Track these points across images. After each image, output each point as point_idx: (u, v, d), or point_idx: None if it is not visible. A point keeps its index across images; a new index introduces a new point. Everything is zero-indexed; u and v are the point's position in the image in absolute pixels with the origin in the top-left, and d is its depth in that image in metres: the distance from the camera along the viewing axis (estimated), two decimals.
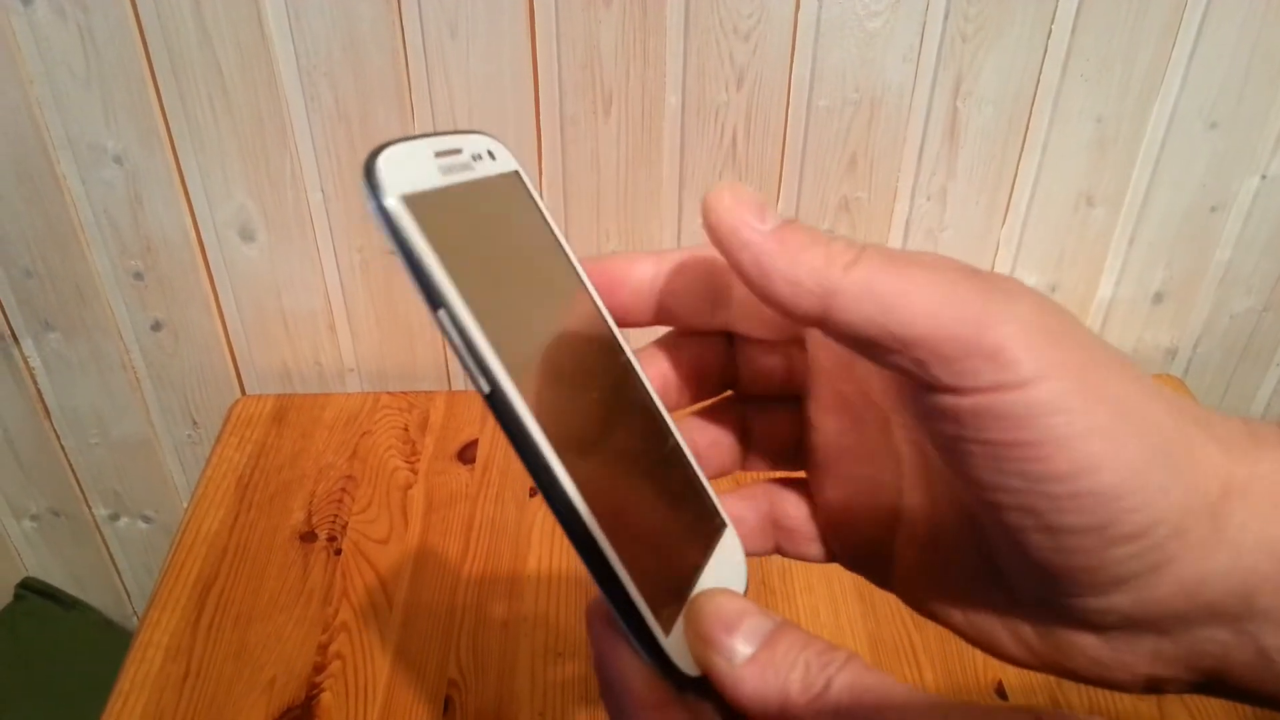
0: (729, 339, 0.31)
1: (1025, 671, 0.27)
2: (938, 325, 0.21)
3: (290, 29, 0.73)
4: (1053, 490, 0.21)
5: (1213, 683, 0.24)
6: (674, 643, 0.24)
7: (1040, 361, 0.21)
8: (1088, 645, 0.24)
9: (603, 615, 0.25)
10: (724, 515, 0.30)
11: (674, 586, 0.26)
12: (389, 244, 0.22)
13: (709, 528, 0.29)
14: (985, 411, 0.21)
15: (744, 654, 0.23)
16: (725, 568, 0.28)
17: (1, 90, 0.75)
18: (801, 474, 0.32)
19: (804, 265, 0.23)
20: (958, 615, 0.27)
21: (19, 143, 0.77)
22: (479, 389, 0.23)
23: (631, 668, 0.24)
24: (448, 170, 0.25)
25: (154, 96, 0.76)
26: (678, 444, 0.29)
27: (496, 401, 0.23)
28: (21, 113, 0.76)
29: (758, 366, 0.31)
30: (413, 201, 0.22)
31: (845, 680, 0.23)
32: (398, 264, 0.22)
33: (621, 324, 0.29)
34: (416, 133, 0.24)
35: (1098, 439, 0.21)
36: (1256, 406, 1.02)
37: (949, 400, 0.22)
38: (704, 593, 0.25)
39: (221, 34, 0.73)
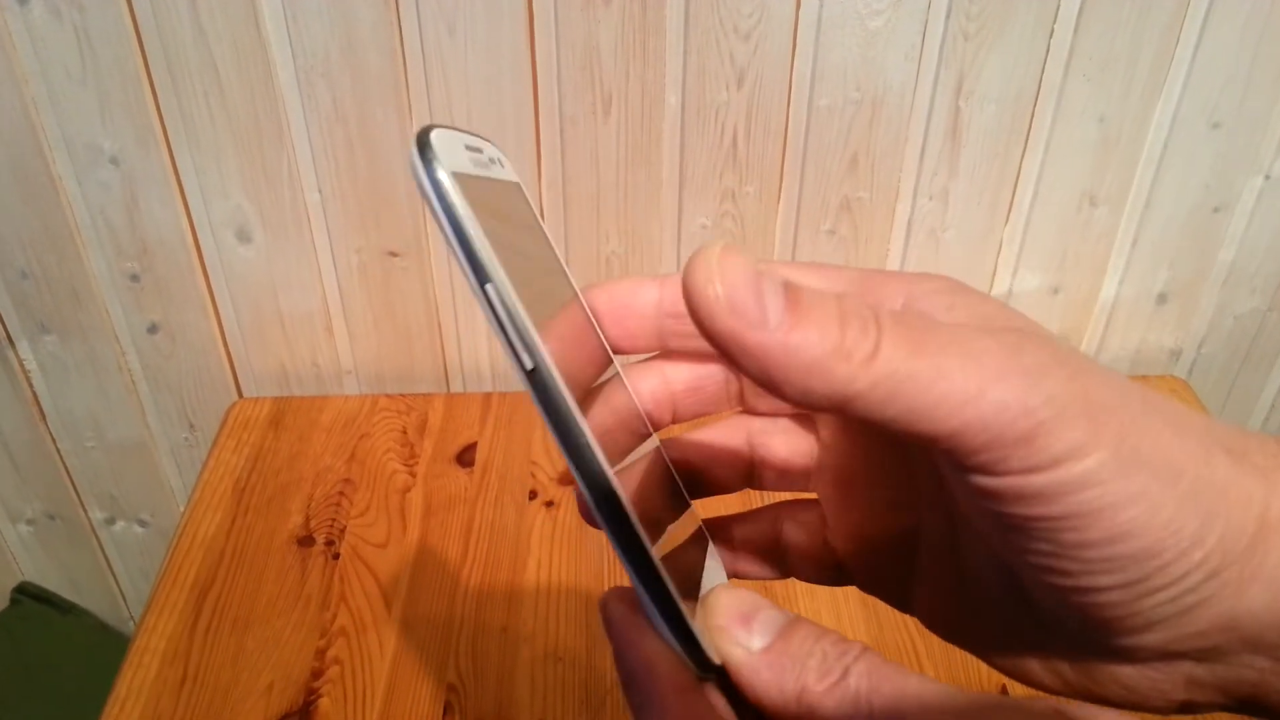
0: None
1: None
2: (968, 422, 0.20)
3: (287, 29, 0.73)
4: (1085, 555, 0.21)
5: (1248, 706, 0.24)
6: (697, 630, 0.24)
7: (1073, 439, 0.20)
8: (1122, 675, 0.24)
9: (625, 604, 0.24)
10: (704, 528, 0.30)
11: (690, 579, 0.26)
12: (439, 217, 0.22)
13: (700, 533, 0.29)
14: (1017, 490, 0.21)
15: (760, 644, 0.23)
16: (718, 572, 0.29)
17: None
18: (813, 495, 0.31)
19: (817, 375, 0.20)
20: (984, 643, 0.27)
21: (14, 143, 0.77)
22: (520, 365, 0.23)
23: (658, 654, 0.23)
24: (475, 164, 0.25)
25: (150, 96, 0.75)
26: (665, 459, 0.30)
27: (538, 379, 0.23)
28: (17, 113, 0.75)
29: None
30: (459, 179, 0.23)
31: (863, 669, 0.22)
32: (444, 238, 0.22)
33: (622, 351, 0.29)
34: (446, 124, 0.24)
35: (1132, 506, 0.20)
36: (1261, 407, 1.01)
37: (978, 479, 0.21)
38: (719, 586, 0.25)
39: (218, 34, 0.73)
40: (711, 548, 0.30)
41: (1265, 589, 0.21)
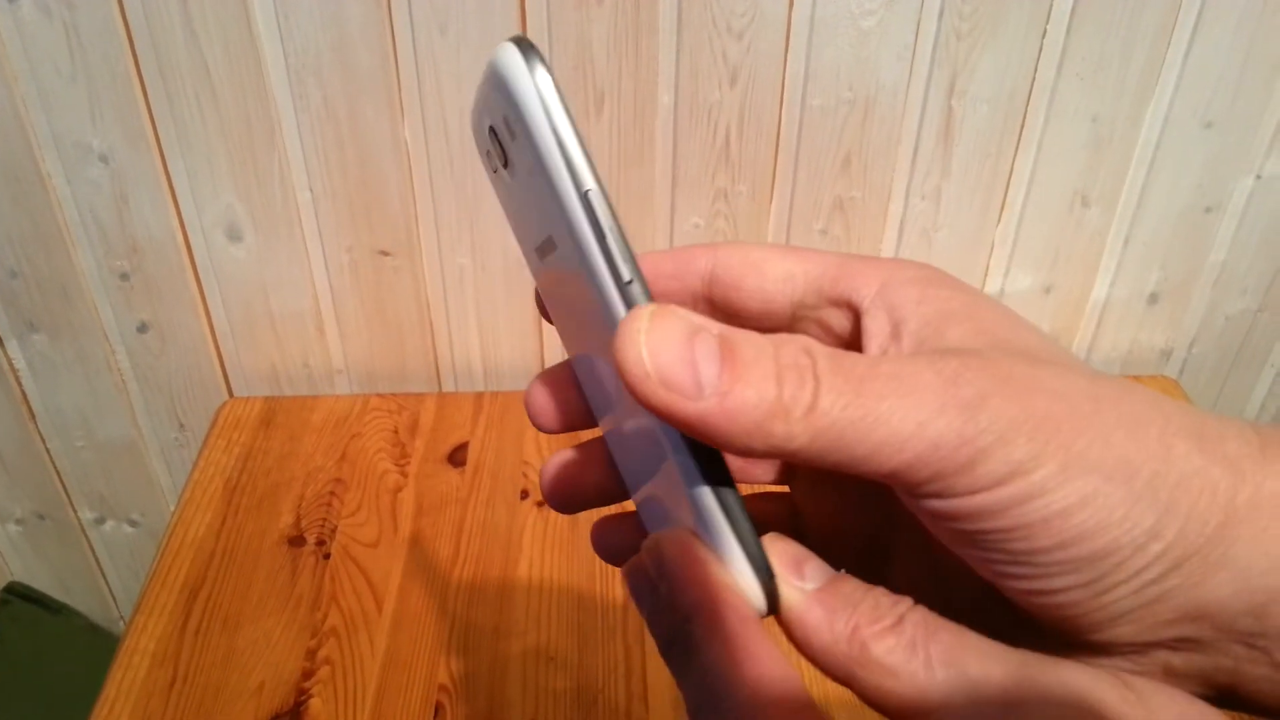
0: None
1: None
2: (908, 461, 0.21)
3: (279, 28, 0.72)
4: (1040, 560, 0.21)
5: (1227, 696, 0.23)
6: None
7: (1015, 457, 0.21)
8: (1100, 667, 0.24)
9: (681, 540, 0.24)
10: None
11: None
12: (537, 118, 0.22)
13: None
14: (965, 510, 0.21)
15: (813, 586, 0.23)
16: None
17: None
18: (784, 489, 0.31)
19: (758, 436, 0.21)
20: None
21: (3, 141, 0.76)
22: (618, 278, 0.23)
23: (725, 585, 0.23)
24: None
25: (140, 95, 0.75)
26: None
27: (631, 292, 0.23)
28: (6, 111, 0.75)
29: None
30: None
31: (918, 618, 0.22)
32: (535, 145, 0.22)
33: None
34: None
35: (1082, 510, 0.21)
36: (1251, 407, 1.02)
37: (928, 503, 0.22)
38: (766, 535, 0.25)
39: (209, 33, 0.72)
40: None
41: (1233, 577, 0.21)
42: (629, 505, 0.29)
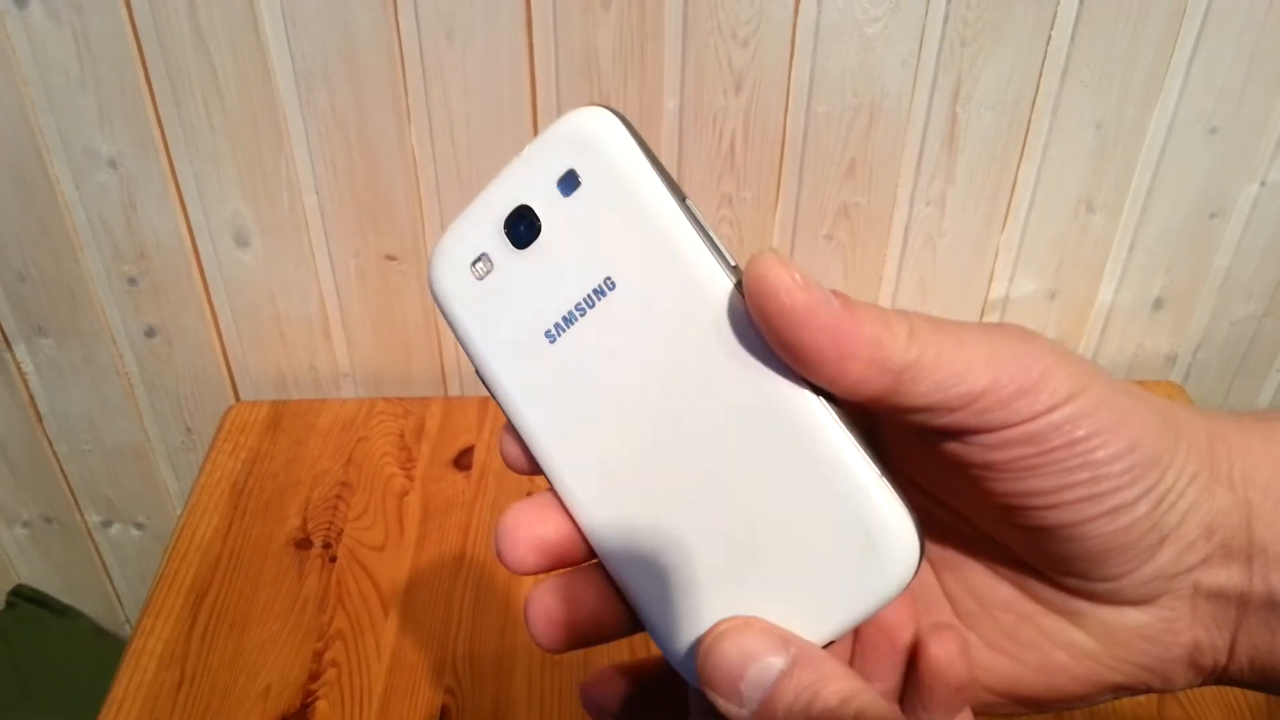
0: None
1: None
2: (997, 375, 0.24)
3: (286, 33, 0.73)
4: (1115, 470, 0.25)
5: (1240, 666, 0.27)
6: None
7: (1073, 379, 0.25)
8: (1141, 626, 0.27)
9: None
10: None
11: None
12: (632, 154, 0.25)
13: None
14: (1043, 430, 0.24)
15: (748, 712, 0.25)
16: None
17: None
18: None
19: (875, 348, 0.24)
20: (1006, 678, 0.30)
21: (13, 146, 0.77)
22: (731, 268, 0.25)
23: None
24: None
25: (149, 100, 0.75)
26: None
27: (735, 294, 0.25)
28: (15, 116, 0.75)
29: None
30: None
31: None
32: (624, 167, 0.25)
33: None
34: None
35: (1134, 417, 0.25)
36: None
37: (1003, 434, 0.25)
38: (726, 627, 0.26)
39: (217, 38, 0.73)
40: None
41: (1226, 491, 0.26)
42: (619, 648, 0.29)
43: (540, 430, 0.27)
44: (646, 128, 0.78)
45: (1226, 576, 0.26)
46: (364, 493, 0.78)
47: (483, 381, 0.28)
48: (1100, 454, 0.24)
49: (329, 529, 0.75)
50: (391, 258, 0.84)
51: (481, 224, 0.27)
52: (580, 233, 0.26)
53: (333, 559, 0.73)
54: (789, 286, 0.23)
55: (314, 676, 0.65)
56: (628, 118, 0.25)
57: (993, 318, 0.92)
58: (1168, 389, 0.91)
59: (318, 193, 0.80)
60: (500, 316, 0.27)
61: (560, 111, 0.76)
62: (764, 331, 0.24)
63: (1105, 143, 0.82)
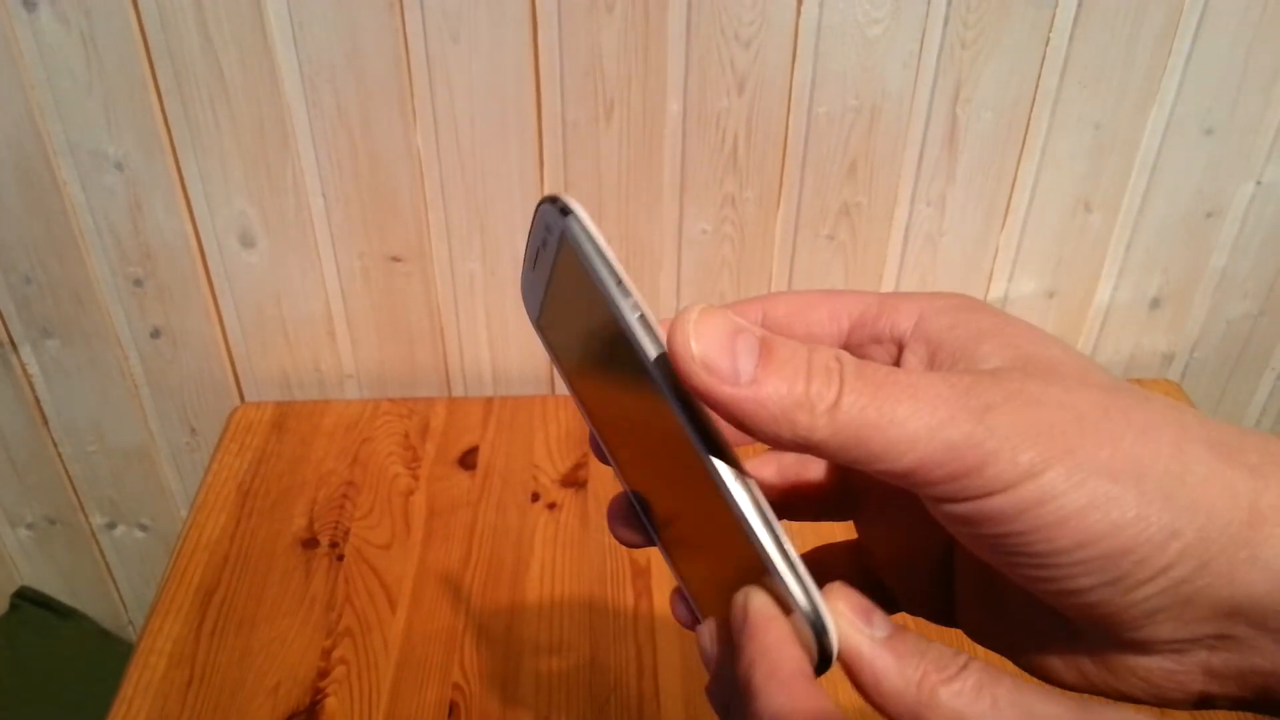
0: None
1: None
2: (921, 459, 0.22)
3: (293, 35, 0.73)
4: (1060, 561, 0.22)
5: (1262, 699, 0.24)
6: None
7: (1024, 462, 0.22)
8: (1141, 668, 0.25)
9: (766, 596, 0.25)
10: None
11: None
12: (591, 253, 0.26)
13: None
14: (979, 513, 0.23)
15: (882, 634, 0.24)
16: None
17: (3, 96, 0.75)
18: (839, 538, 0.33)
19: (784, 424, 0.23)
20: (1014, 643, 0.28)
21: (20, 148, 0.77)
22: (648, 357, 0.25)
23: (785, 641, 0.25)
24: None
25: (156, 103, 0.76)
26: None
27: (662, 367, 0.25)
28: (23, 118, 0.76)
29: None
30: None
31: (979, 665, 0.24)
32: (586, 267, 0.26)
33: None
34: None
35: (1093, 511, 0.22)
36: (1252, 410, 1.03)
37: (946, 507, 0.23)
38: (833, 584, 0.26)
39: (224, 41, 0.73)
40: None
41: (1265, 575, 0.22)
42: None
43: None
44: (649, 129, 0.79)
45: (1257, 649, 0.23)
46: (370, 492, 0.78)
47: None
48: (1041, 548, 0.22)
49: (335, 528, 0.75)
50: (396, 259, 0.85)
51: None
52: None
53: (340, 558, 0.73)
54: (689, 369, 0.23)
55: (323, 674, 0.65)
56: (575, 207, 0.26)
57: None
58: (1165, 387, 0.92)
59: (323, 194, 0.81)
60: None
61: (564, 115, 0.77)
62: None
63: (1103, 143, 0.83)
